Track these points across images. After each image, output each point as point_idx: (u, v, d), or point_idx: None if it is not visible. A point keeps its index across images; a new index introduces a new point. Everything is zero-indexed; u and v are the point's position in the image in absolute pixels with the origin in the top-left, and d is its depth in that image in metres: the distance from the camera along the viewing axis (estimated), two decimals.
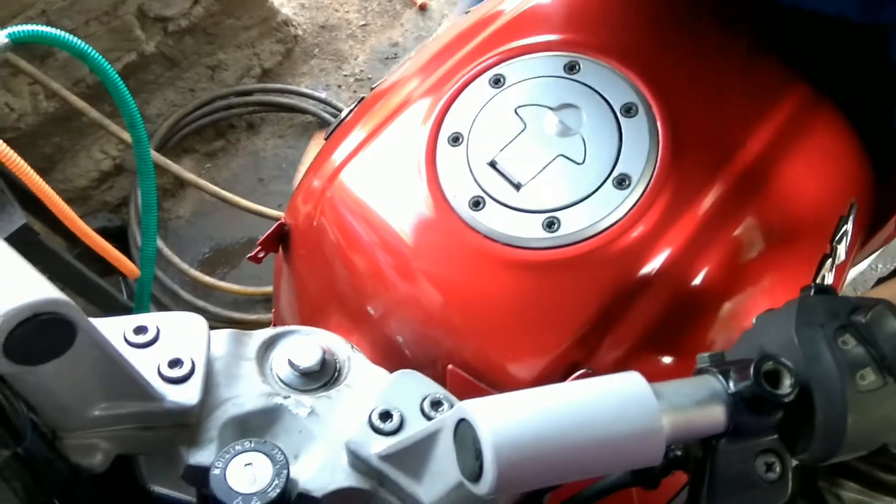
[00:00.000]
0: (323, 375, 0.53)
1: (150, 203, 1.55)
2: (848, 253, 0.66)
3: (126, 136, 1.60)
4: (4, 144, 1.21)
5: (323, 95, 2.11)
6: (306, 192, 0.67)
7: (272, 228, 0.69)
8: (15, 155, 1.26)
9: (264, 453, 0.44)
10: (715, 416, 0.38)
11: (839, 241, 0.63)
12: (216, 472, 0.43)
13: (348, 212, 0.63)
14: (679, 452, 0.42)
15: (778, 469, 0.39)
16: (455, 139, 0.60)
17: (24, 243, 1.29)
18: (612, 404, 0.37)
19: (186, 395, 0.45)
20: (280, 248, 0.71)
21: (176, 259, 1.85)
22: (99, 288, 1.55)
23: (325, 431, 0.49)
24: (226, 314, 1.80)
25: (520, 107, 0.60)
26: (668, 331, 0.55)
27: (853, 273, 1.24)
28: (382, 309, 0.60)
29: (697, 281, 0.56)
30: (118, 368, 0.42)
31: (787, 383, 0.38)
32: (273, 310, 0.84)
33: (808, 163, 0.61)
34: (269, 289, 1.79)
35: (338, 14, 2.29)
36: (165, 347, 0.47)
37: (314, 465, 0.47)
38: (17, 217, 1.29)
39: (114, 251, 1.48)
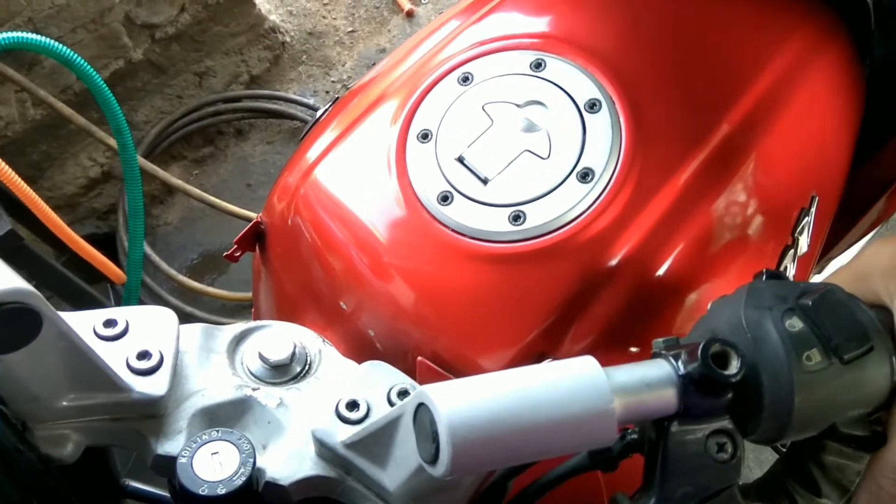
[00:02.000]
0: (293, 369, 0.53)
1: (137, 208, 1.56)
2: (812, 245, 0.68)
3: (113, 142, 1.61)
4: None
5: (311, 101, 2.12)
6: (281, 189, 0.68)
7: (248, 226, 0.69)
8: (1, 162, 1.27)
9: (231, 442, 0.45)
10: (666, 397, 0.39)
11: (801, 233, 0.64)
12: (183, 460, 0.44)
13: (321, 208, 0.64)
14: (635, 436, 0.43)
15: (730, 449, 0.40)
16: (424, 136, 0.61)
17: (9, 249, 1.30)
18: (565, 386, 0.38)
19: (154, 386, 0.46)
20: (257, 247, 0.72)
21: (164, 265, 1.86)
22: (87, 295, 1.55)
23: (294, 422, 0.50)
24: (214, 319, 1.81)
25: (487, 104, 0.61)
26: (632, 322, 0.56)
27: (838, 265, 1.25)
28: (354, 303, 0.61)
29: (661, 272, 0.57)
30: (86, 359, 0.43)
31: (734, 364, 0.39)
32: (252, 310, 0.85)
33: (770, 157, 0.62)
34: None
35: (325, 21, 2.31)
36: (134, 340, 0.47)
37: (282, 455, 0.48)
38: (3, 223, 1.29)
39: (100, 256, 1.49)
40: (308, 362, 0.54)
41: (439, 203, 0.58)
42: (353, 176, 0.63)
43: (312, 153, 0.67)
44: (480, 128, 0.60)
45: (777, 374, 0.39)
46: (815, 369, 0.39)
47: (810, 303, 0.41)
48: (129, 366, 0.46)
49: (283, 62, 2.20)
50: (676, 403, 0.39)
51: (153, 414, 0.47)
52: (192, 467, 0.43)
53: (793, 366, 0.39)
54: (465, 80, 0.63)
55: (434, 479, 0.44)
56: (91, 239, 1.57)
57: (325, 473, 0.47)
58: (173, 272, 1.85)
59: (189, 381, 0.49)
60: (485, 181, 0.58)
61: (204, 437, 0.45)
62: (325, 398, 0.49)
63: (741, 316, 0.41)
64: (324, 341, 0.56)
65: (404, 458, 0.44)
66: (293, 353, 0.53)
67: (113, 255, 1.79)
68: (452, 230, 0.58)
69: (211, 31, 1.99)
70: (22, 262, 1.35)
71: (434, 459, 0.37)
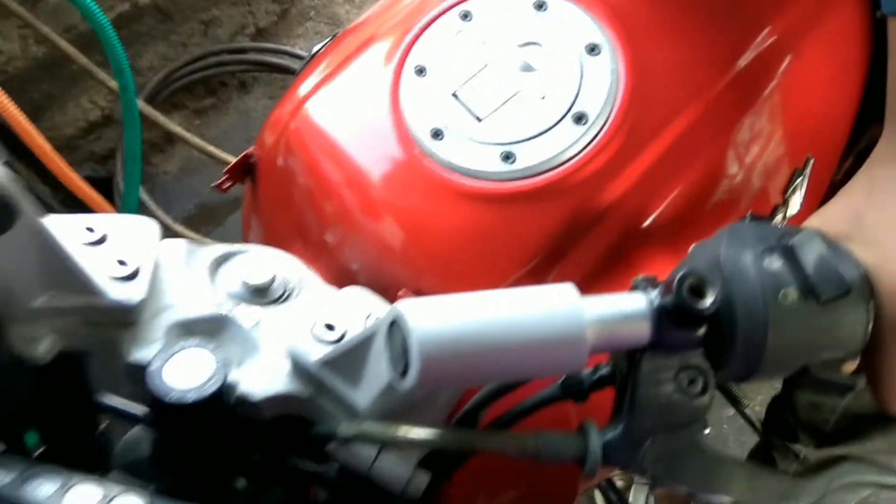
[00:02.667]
0: (273, 292, 0.53)
1: (135, 152, 1.55)
2: (804, 208, 0.67)
3: (114, 85, 1.60)
4: None
5: None
6: (272, 122, 0.67)
7: (238, 157, 0.69)
8: (2, 94, 1.26)
9: (206, 350, 0.45)
10: (639, 328, 0.39)
11: (792, 193, 0.63)
12: (154, 367, 0.44)
13: (312, 142, 0.63)
14: (607, 368, 0.43)
15: (700, 384, 0.40)
16: (420, 71, 0.61)
17: None
18: (539, 310, 0.38)
19: (130, 292, 0.46)
20: (248, 181, 0.72)
21: (161, 214, 1.85)
22: None
23: (270, 342, 0.50)
24: None
25: (486, 42, 0.60)
26: (616, 266, 0.56)
27: None
28: (340, 237, 0.61)
29: (649, 220, 0.57)
30: (61, 259, 0.43)
31: (709, 297, 0.38)
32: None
33: (768, 113, 0.62)
34: None
35: None
36: (114, 247, 0.47)
37: (256, 372, 0.48)
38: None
39: (96, 196, 1.49)
40: (289, 287, 0.54)
41: (431, 138, 0.58)
42: (346, 110, 0.63)
43: (304, 87, 0.66)
44: (477, 65, 0.59)
45: (751, 309, 0.39)
46: (791, 308, 0.39)
47: (790, 244, 0.40)
48: (105, 271, 0.46)
49: (290, 17, 2.18)
50: (649, 334, 0.39)
51: (128, 321, 0.47)
52: (161, 374, 0.43)
53: (767, 302, 0.39)
54: (466, 16, 0.62)
55: (404, 398, 0.44)
56: (88, 182, 1.56)
57: (297, 392, 0.47)
58: (170, 221, 1.84)
59: (167, 294, 0.49)
60: (478, 119, 0.58)
61: (178, 346, 0.45)
62: (304, 321, 0.49)
63: (720, 255, 0.41)
64: (307, 268, 0.56)
65: (376, 377, 0.44)
66: (274, 277, 0.53)
67: (109, 199, 1.78)
68: (443, 166, 0.57)
69: None
70: None
71: (403, 373, 0.37)
